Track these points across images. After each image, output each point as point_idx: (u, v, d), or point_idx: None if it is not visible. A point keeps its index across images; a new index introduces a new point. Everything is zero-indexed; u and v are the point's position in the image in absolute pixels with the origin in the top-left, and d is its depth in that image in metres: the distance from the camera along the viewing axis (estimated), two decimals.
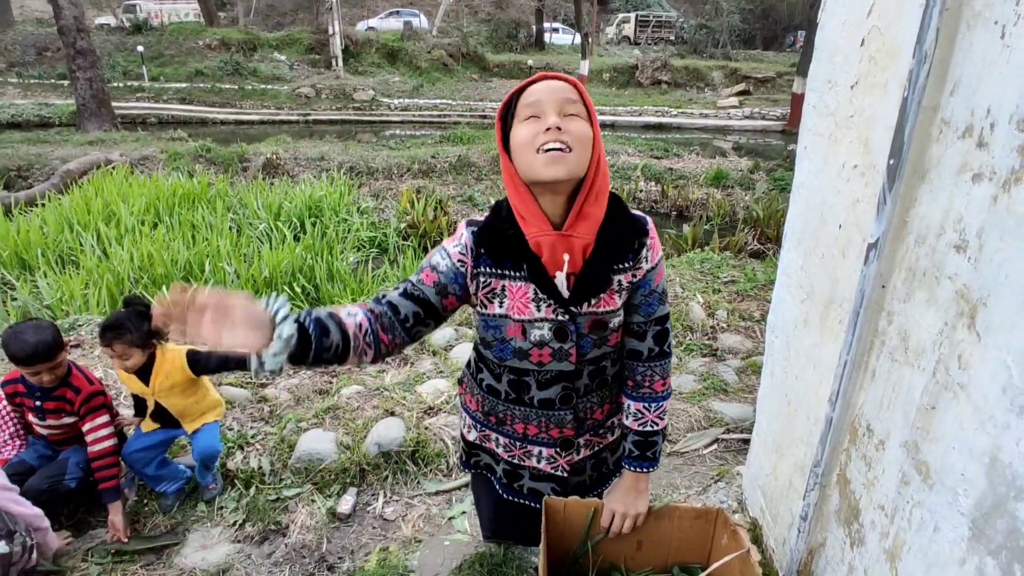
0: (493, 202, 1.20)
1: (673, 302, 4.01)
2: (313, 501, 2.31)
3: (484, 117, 17.34)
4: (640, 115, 18.16)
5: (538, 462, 1.28)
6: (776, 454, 1.68)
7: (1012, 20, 0.80)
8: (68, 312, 3.98)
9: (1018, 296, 0.79)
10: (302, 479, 2.40)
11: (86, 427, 2.08)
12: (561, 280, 1.09)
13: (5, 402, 2.17)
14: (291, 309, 0.94)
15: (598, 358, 1.20)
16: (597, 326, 1.14)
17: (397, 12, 26.92)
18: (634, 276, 1.15)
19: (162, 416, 2.20)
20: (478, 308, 1.17)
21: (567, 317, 1.12)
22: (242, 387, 3.00)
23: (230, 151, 9.54)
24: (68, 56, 11.79)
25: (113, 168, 7.84)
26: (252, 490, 2.34)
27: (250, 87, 18.25)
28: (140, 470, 2.19)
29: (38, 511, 1.83)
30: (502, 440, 1.29)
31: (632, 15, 29.05)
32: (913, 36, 0.96)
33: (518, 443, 1.27)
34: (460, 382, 1.40)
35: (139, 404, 2.27)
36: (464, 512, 2.29)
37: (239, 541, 2.15)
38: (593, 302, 1.12)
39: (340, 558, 2.11)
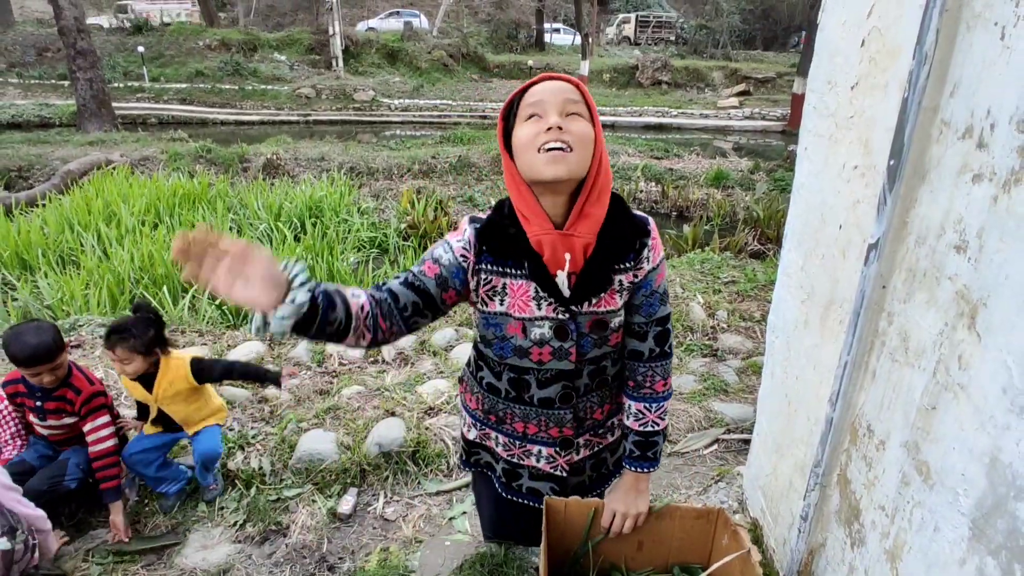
0: (494, 202, 1.20)
1: (673, 302, 4.02)
2: (314, 501, 2.31)
3: (484, 117, 17.34)
4: (640, 115, 18.17)
5: (537, 461, 1.28)
6: (776, 454, 1.68)
7: (1012, 21, 0.80)
8: (69, 312, 3.98)
9: (1018, 297, 0.79)
10: (303, 479, 2.40)
11: (87, 427, 2.08)
12: (562, 279, 1.09)
13: (6, 402, 2.17)
14: (308, 277, 0.92)
15: (598, 358, 1.20)
16: (597, 326, 1.15)
17: (397, 12, 26.93)
18: (635, 276, 1.15)
19: (164, 420, 2.22)
20: (479, 305, 1.17)
21: (567, 316, 1.12)
22: (243, 387, 3.01)
23: (230, 151, 9.55)
24: (68, 56, 11.79)
25: (114, 168, 7.84)
26: (253, 490, 2.34)
27: (250, 87, 18.26)
28: (141, 471, 2.19)
29: (41, 513, 1.83)
30: (501, 439, 1.29)
31: (632, 15, 29.06)
32: (913, 37, 0.96)
33: (517, 442, 1.28)
34: (460, 380, 1.40)
35: (141, 408, 2.27)
36: (465, 512, 2.29)
37: (240, 541, 2.15)
38: (594, 301, 1.12)
39: (341, 558, 2.11)
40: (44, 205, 6.22)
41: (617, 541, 1.33)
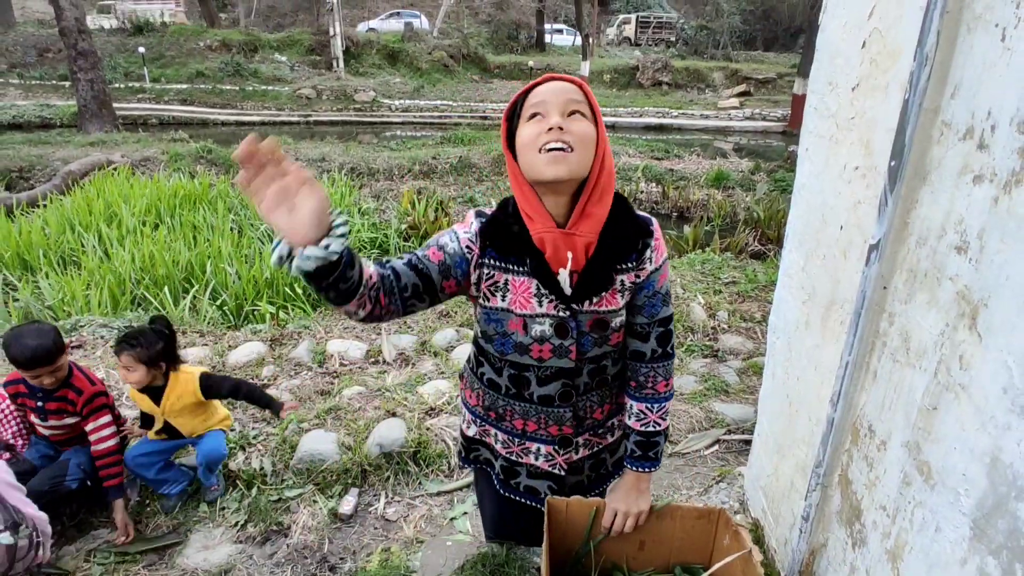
0: (495, 203, 1.21)
1: (674, 303, 4.00)
2: (315, 502, 2.31)
3: (485, 118, 17.35)
4: (641, 116, 18.17)
5: (536, 459, 1.28)
6: (778, 455, 1.68)
7: (1012, 23, 0.81)
8: (70, 313, 3.99)
9: (1019, 297, 0.79)
10: (304, 480, 2.40)
11: (89, 427, 2.09)
12: (564, 277, 1.10)
13: (8, 402, 2.17)
14: (347, 232, 0.91)
15: (598, 357, 1.20)
16: (598, 325, 1.15)
17: (398, 13, 26.94)
18: (637, 277, 1.15)
19: (169, 430, 2.24)
20: (481, 301, 1.17)
21: (568, 313, 1.12)
22: None
23: (231, 152, 9.54)
24: (69, 57, 11.80)
25: (114, 169, 7.85)
26: (254, 491, 2.34)
27: (251, 88, 18.27)
28: (142, 474, 2.20)
29: (43, 515, 1.83)
30: (501, 436, 1.30)
31: (633, 16, 29.07)
32: (914, 38, 0.96)
33: (517, 440, 1.28)
34: (461, 377, 1.40)
35: (145, 418, 2.29)
36: (466, 513, 2.29)
37: (241, 542, 2.16)
38: (595, 300, 1.13)
39: (342, 559, 2.11)
40: (45, 206, 6.22)
41: (618, 541, 1.34)
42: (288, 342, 3.54)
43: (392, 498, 2.39)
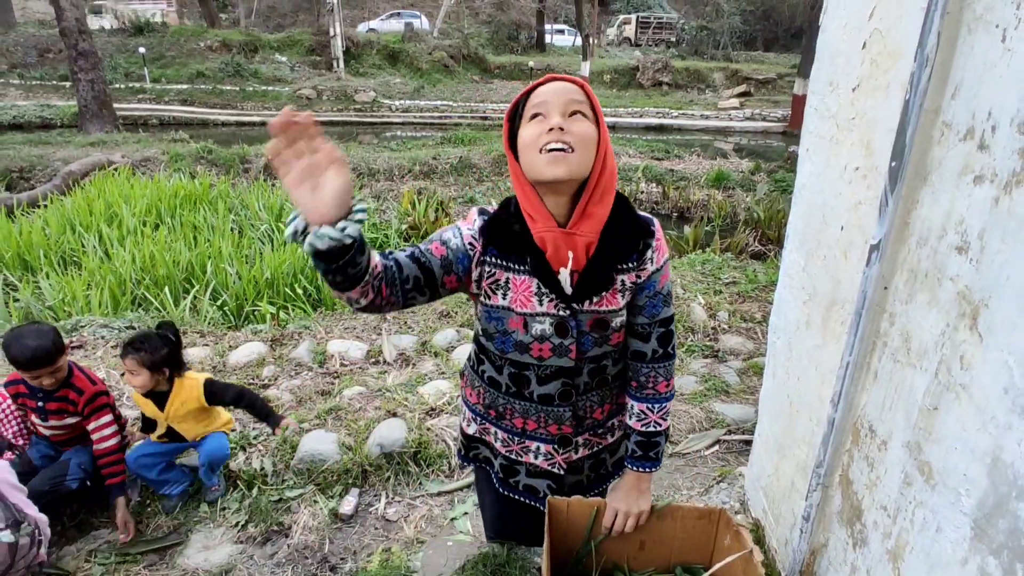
0: (495, 203, 1.21)
1: (675, 303, 4.01)
2: (315, 502, 2.31)
3: (485, 118, 17.36)
4: (641, 116, 18.18)
5: (535, 458, 1.28)
6: (778, 455, 1.68)
7: (1013, 24, 0.81)
8: (70, 313, 3.99)
9: (1019, 297, 0.79)
10: (304, 480, 2.40)
11: (91, 426, 2.09)
12: (565, 276, 1.10)
13: (9, 401, 2.18)
14: (364, 219, 0.91)
15: (599, 357, 1.20)
16: (598, 324, 1.15)
17: (398, 14, 26.95)
18: (638, 277, 1.15)
19: (171, 433, 2.25)
20: (482, 298, 1.18)
21: (568, 313, 1.12)
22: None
23: (232, 152, 9.56)
24: (70, 57, 11.81)
25: (115, 169, 7.85)
26: (254, 491, 2.34)
27: (251, 88, 18.27)
28: (144, 474, 2.21)
29: (44, 517, 1.84)
30: (500, 434, 1.30)
31: (633, 16, 29.09)
32: (914, 39, 0.96)
33: (516, 438, 1.28)
34: (462, 375, 1.40)
35: (147, 422, 2.29)
36: (466, 513, 2.29)
37: (242, 542, 2.16)
38: (595, 300, 1.13)
39: (342, 559, 2.11)
40: (46, 206, 6.23)
41: (619, 541, 1.34)
42: (288, 342, 3.55)
43: (393, 498, 2.39)
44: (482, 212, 1.17)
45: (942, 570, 0.94)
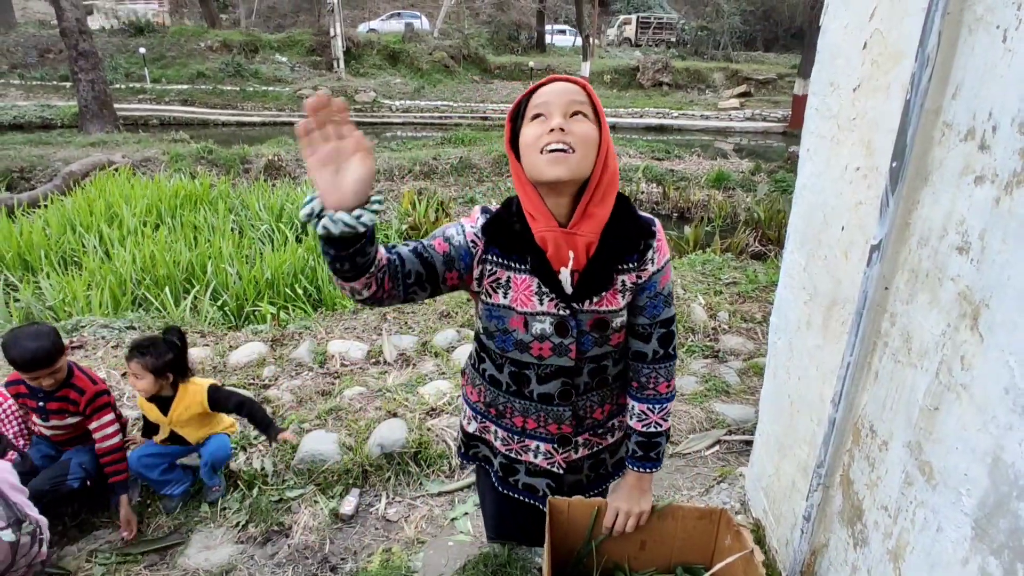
0: (495, 203, 1.22)
1: (675, 304, 4.02)
2: (316, 502, 2.32)
3: (485, 119, 17.36)
4: (641, 117, 18.19)
5: (535, 457, 1.28)
6: (779, 455, 1.68)
7: (1014, 24, 0.81)
8: (71, 313, 3.99)
9: (1020, 298, 0.79)
10: (305, 480, 2.40)
11: (93, 425, 2.10)
12: (565, 276, 1.11)
13: (11, 402, 2.18)
14: (379, 211, 0.93)
15: (599, 357, 1.21)
16: (599, 324, 1.15)
17: (398, 14, 26.96)
18: (639, 277, 1.16)
19: (174, 436, 2.26)
20: (483, 296, 1.18)
21: (568, 312, 1.13)
22: (244, 388, 3.01)
23: (232, 153, 9.56)
24: (70, 58, 11.82)
25: (115, 169, 7.86)
26: (255, 491, 2.35)
27: (251, 89, 18.28)
28: (146, 474, 2.22)
29: (43, 520, 1.84)
30: (500, 433, 1.30)
31: (633, 17, 29.09)
32: (915, 40, 0.96)
33: (516, 437, 1.28)
34: (463, 373, 1.41)
35: (148, 425, 2.30)
36: (467, 513, 2.29)
37: (242, 542, 2.16)
38: (595, 300, 1.13)
39: (343, 559, 2.11)
40: (46, 206, 6.23)
41: (620, 541, 1.34)
42: (289, 342, 3.55)
43: (393, 498, 2.39)
44: (485, 210, 1.18)
45: (943, 570, 0.94)
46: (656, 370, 1.22)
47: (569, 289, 1.11)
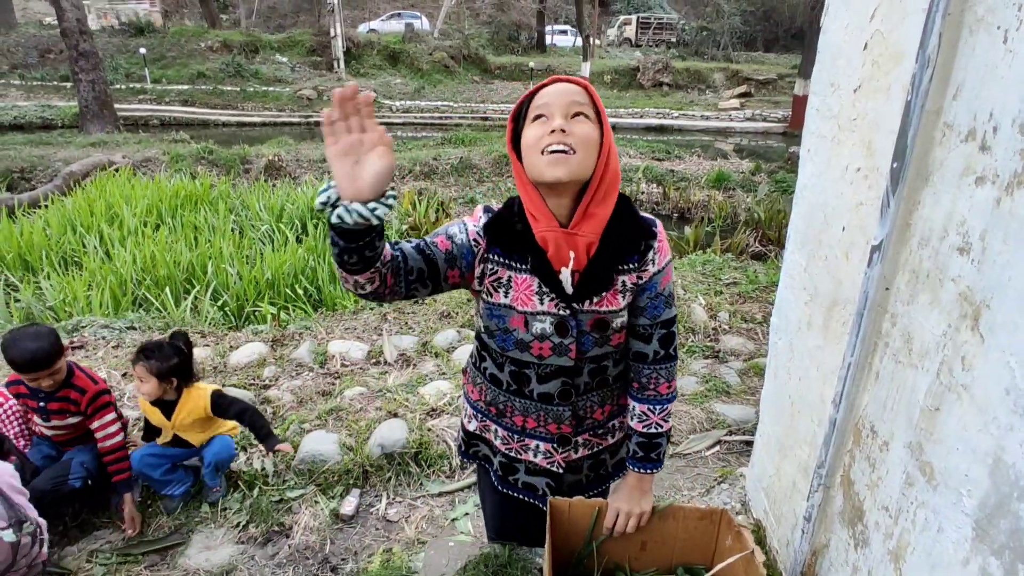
0: (495, 203, 1.22)
1: (675, 304, 4.02)
2: (316, 502, 2.32)
3: (486, 119, 17.37)
4: (641, 117, 18.19)
5: (534, 456, 1.29)
6: (779, 455, 1.68)
7: (1015, 25, 0.81)
8: (71, 313, 3.99)
9: (1021, 298, 0.79)
10: (305, 481, 2.40)
11: (95, 425, 2.10)
12: (566, 276, 1.11)
13: (12, 402, 2.18)
14: (393, 206, 0.94)
15: (599, 357, 1.21)
16: (599, 325, 1.15)
17: (398, 14, 26.97)
18: (639, 278, 1.16)
19: (176, 439, 2.26)
20: (484, 295, 1.18)
21: (568, 312, 1.13)
22: (245, 388, 3.01)
23: (232, 153, 9.56)
24: (71, 58, 11.83)
25: (116, 170, 7.86)
26: (255, 492, 2.35)
27: (252, 89, 18.29)
28: (148, 474, 2.22)
29: (43, 522, 1.84)
30: (500, 432, 1.30)
31: (633, 17, 29.08)
32: (916, 40, 0.96)
33: (516, 436, 1.28)
34: (464, 372, 1.41)
35: (150, 428, 2.30)
36: (467, 514, 2.29)
37: (243, 542, 2.16)
38: (595, 300, 1.13)
39: (343, 559, 2.11)
40: (47, 206, 6.24)
41: (621, 541, 1.34)
42: (289, 343, 3.55)
43: (393, 499, 2.39)
44: (487, 210, 1.19)
45: (943, 570, 0.94)
46: (657, 371, 1.22)
47: (569, 289, 1.12)
